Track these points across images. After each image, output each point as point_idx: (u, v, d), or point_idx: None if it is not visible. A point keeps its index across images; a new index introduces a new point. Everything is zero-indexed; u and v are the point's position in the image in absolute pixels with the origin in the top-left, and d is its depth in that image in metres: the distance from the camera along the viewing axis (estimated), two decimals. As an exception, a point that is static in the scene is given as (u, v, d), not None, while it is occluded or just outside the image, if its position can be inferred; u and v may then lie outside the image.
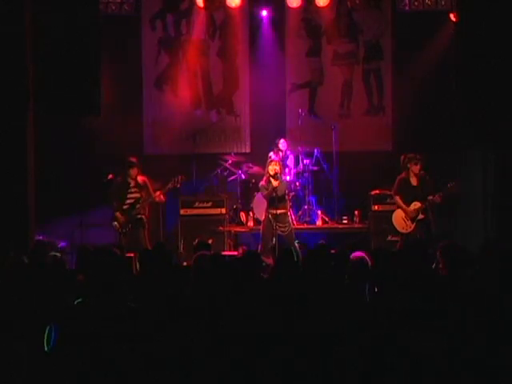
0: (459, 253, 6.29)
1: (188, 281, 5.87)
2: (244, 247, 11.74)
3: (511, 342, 4.82)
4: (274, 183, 10.79)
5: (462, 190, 10.63)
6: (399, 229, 10.65)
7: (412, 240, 10.14)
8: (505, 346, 4.78)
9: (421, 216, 10.47)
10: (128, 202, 10.76)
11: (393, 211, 10.87)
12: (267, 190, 10.85)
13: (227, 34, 13.82)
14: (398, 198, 10.65)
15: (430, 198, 10.38)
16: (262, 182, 11.04)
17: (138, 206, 10.73)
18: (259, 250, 10.56)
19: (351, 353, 4.80)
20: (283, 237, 10.82)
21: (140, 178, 10.80)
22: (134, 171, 10.75)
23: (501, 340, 4.83)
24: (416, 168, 10.49)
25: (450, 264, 6.16)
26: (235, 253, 11.21)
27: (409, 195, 10.53)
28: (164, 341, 4.87)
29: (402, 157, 10.66)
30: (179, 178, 10.86)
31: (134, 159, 10.88)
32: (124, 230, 10.69)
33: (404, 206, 10.54)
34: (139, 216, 10.75)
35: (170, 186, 10.83)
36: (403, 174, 10.60)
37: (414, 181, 10.55)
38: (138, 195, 10.76)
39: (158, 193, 10.77)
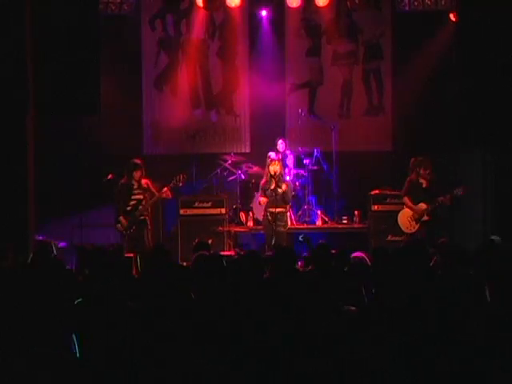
0: (458, 252, 6.29)
1: (188, 281, 5.87)
2: (236, 249, 11.74)
3: (511, 341, 4.83)
4: (281, 189, 10.77)
5: (467, 193, 10.63)
6: (403, 229, 10.70)
7: (412, 240, 10.13)
8: (504, 346, 4.79)
9: (426, 218, 10.51)
10: (131, 203, 10.73)
11: (393, 211, 10.89)
12: (274, 196, 10.81)
13: (227, 34, 13.81)
14: (406, 199, 10.69)
15: (441, 198, 10.41)
16: (262, 183, 11.04)
17: (140, 207, 10.69)
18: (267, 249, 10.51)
19: (350, 353, 4.80)
20: (280, 234, 10.81)
21: (143, 181, 10.75)
22: (138, 173, 10.68)
23: (500, 340, 4.84)
24: (425, 171, 10.51)
25: (450, 264, 6.16)
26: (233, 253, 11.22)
27: (417, 197, 10.57)
28: (163, 341, 4.87)
29: (412, 160, 10.65)
30: (181, 176, 10.82)
31: (138, 161, 10.83)
32: (128, 232, 10.68)
33: (412, 205, 10.59)
34: (142, 217, 10.74)
35: (171, 185, 10.78)
36: (413, 176, 10.64)
37: (423, 183, 10.58)
38: (141, 197, 10.73)
39: (165, 189, 10.69)
